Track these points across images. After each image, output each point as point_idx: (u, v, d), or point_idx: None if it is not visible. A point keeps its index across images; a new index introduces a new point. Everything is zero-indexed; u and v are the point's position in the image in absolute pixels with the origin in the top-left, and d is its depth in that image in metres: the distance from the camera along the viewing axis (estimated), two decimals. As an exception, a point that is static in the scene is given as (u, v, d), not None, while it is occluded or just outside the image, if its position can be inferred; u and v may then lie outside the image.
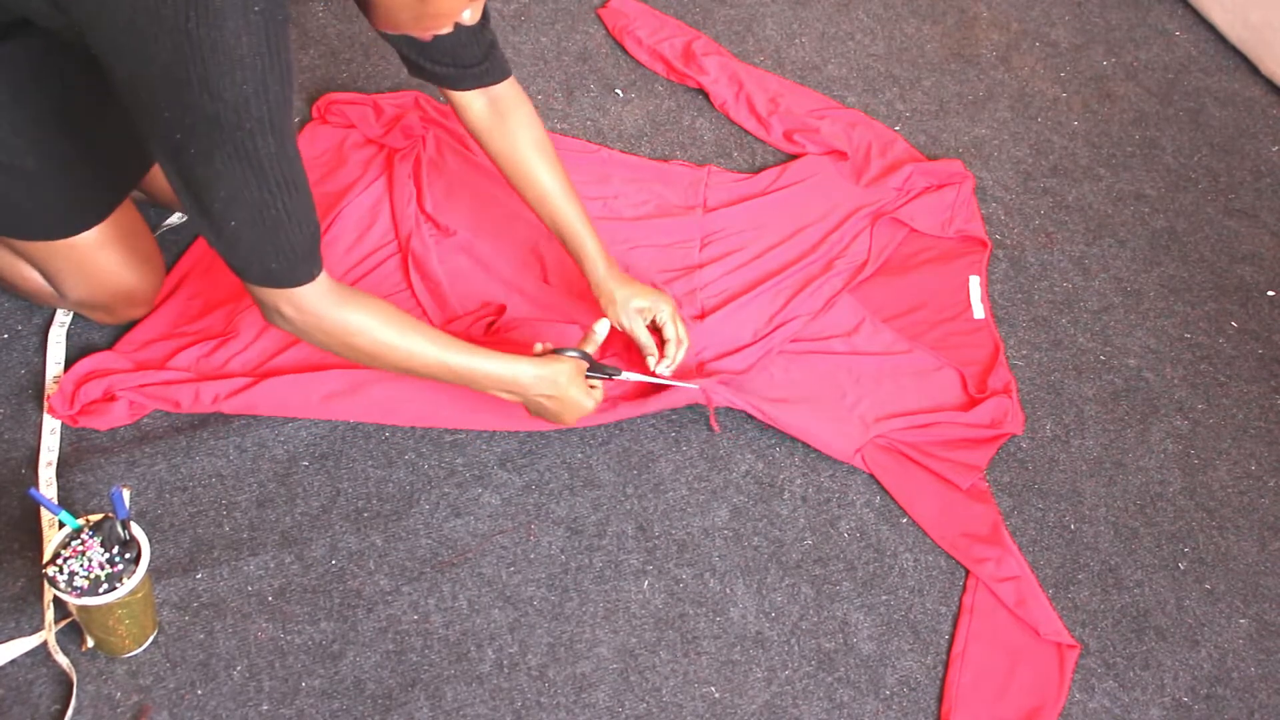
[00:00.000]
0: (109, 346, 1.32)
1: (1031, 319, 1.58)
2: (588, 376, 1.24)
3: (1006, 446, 1.43)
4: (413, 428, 1.32)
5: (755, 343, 1.44)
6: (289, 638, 1.15)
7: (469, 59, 1.22)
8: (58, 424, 1.26)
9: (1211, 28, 2.07)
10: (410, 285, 1.44)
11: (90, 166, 1.19)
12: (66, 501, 1.21)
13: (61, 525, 1.04)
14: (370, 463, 1.29)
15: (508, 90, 1.28)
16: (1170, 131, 1.89)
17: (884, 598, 1.27)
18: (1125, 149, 1.84)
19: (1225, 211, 1.77)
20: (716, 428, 1.37)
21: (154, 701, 1.10)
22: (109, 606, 1.03)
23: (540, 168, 1.29)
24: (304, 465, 1.28)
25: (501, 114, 1.28)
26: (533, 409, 1.23)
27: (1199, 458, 1.46)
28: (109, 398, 1.26)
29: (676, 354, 1.34)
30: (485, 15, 1.19)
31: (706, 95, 1.77)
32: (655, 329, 1.36)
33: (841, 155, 1.70)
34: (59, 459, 1.24)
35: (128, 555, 1.03)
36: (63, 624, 1.12)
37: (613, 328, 1.34)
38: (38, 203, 1.17)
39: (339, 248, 1.45)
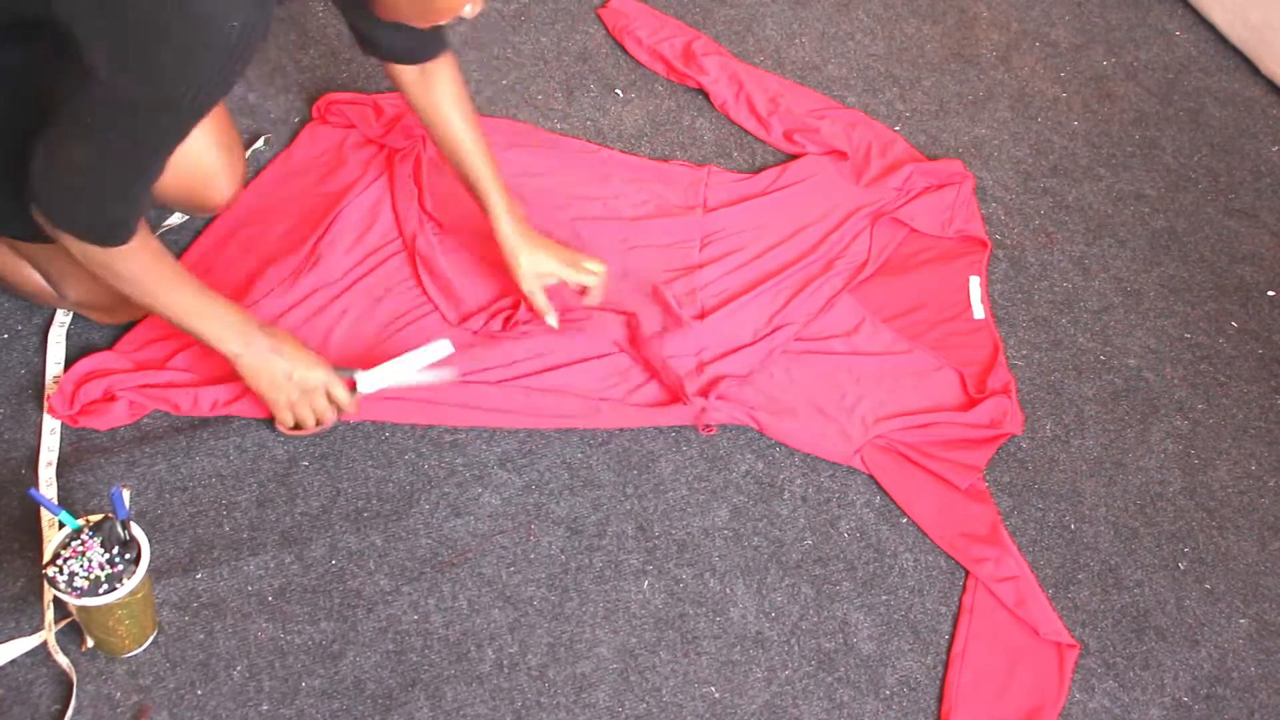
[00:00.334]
0: (109, 346, 1.32)
1: (1031, 319, 1.58)
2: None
3: (1006, 446, 1.43)
4: (413, 427, 1.32)
5: (755, 343, 1.44)
6: (289, 638, 1.15)
7: (423, 39, 1.27)
8: (58, 424, 1.26)
9: (1211, 28, 2.07)
10: (420, 284, 1.44)
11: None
12: (66, 501, 1.21)
13: (61, 525, 1.04)
14: (370, 463, 1.29)
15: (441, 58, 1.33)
16: (1170, 131, 1.88)
17: (884, 598, 1.27)
18: (1125, 149, 1.84)
19: (1225, 211, 1.77)
20: (709, 430, 1.37)
21: (154, 701, 1.10)
22: (109, 607, 1.03)
23: (455, 121, 1.34)
24: (304, 465, 1.28)
25: (428, 73, 1.32)
26: (256, 361, 1.21)
27: (1199, 458, 1.46)
28: (109, 398, 1.26)
29: (597, 290, 1.40)
30: None
31: (706, 95, 1.77)
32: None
33: (841, 155, 1.70)
34: (59, 459, 1.24)
35: (128, 555, 1.03)
36: (63, 624, 1.12)
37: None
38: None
39: (339, 247, 1.45)
